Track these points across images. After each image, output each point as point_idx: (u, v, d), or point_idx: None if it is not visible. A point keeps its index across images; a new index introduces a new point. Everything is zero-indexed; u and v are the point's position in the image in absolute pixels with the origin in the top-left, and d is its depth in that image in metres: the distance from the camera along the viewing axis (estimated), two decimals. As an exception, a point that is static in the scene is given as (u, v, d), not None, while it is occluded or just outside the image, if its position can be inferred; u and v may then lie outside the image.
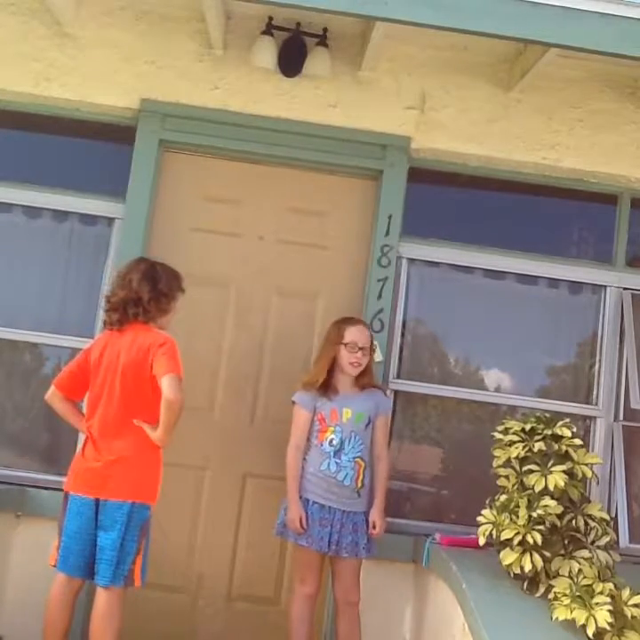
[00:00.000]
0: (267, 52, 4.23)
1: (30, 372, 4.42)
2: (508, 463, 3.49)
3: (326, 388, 3.86)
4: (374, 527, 3.80)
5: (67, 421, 3.74)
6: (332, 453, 3.79)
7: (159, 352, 3.43)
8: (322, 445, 3.81)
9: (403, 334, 4.45)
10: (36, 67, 4.29)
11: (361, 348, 3.86)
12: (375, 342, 4.24)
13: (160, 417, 3.40)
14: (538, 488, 3.33)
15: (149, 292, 3.54)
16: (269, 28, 4.23)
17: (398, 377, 4.40)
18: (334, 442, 3.79)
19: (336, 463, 3.78)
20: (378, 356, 4.26)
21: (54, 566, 3.45)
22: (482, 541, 3.38)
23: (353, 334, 3.88)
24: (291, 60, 4.28)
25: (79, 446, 3.62)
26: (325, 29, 4.26)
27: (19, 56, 4.29)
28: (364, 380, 3.91)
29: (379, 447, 3.92)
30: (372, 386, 3.94)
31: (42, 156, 4.46)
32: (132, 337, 3.51)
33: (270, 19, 4.22)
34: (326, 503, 3.75)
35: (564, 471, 3.35)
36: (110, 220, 4.38)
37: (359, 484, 3.80)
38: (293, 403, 3.89)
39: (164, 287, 3.59)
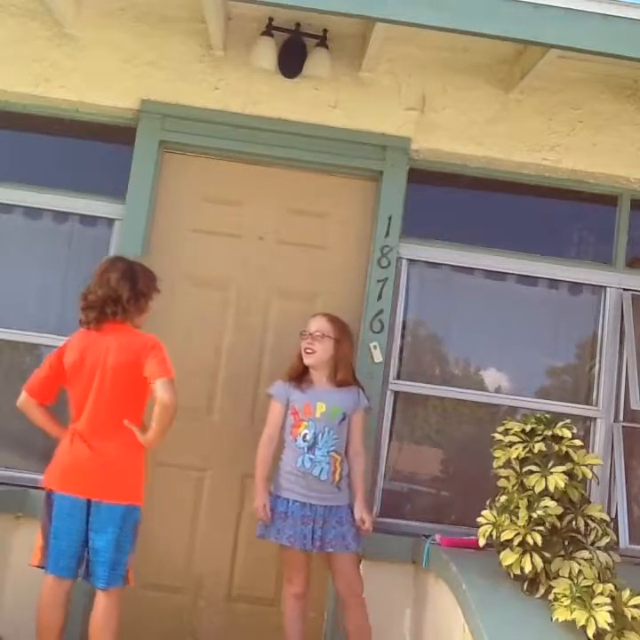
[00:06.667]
0: (267, 53, 4.23)
1: (30, 373, 4.40)
2: (508, 464, 3.49)
3: (301, 380, 3.89)
4: (363, 522, 3.79)
5: (41, 428, 3.64)
6: (305, 449, 3.79)
7: (151, 355, 3.43)
8: (296, 441, 3.81)
9: (403, 335, 4.45)
10: (36, 67, 4.30)
11: (311, 334, 3.88)
12: (374, 343, 4.26)
13: (154, 420, 3.39)
14: (538, 489, 3.33)
15: (129, 291, 3.53)
16: (269, 29, 4.23)
17: (398, 378, 4.40)
18: (308, 437, 3.80)
19: (310, 459, 3.78)
20: (377, 357, 4.27)
21: (38, 567, 3.42)
22: (482, 542, 3.38)
23: (307, 324, 3.93)
24: (291, 61, 4.28)
25: (63, 445, 3.51)
26: (325, 30, 4.26)
27: (19, 57, 4.29)
28: (339, 375, 3.89)
29: (355, 443, 3.91)
30: (349, 383, 3.92)
31: (42, 157, 4.46)
32: (117, 338, 3.49)
33: (270, 20, 4.23)
34: (307, 501, 3.75)
35: (564, 472, 3.35)
36: (110, 221, 4.38)
37: (336, 478, 3.80)
38: (269, 396, 3.94)
39: (143, 287, 3.58)
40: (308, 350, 3.88)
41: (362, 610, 3.81)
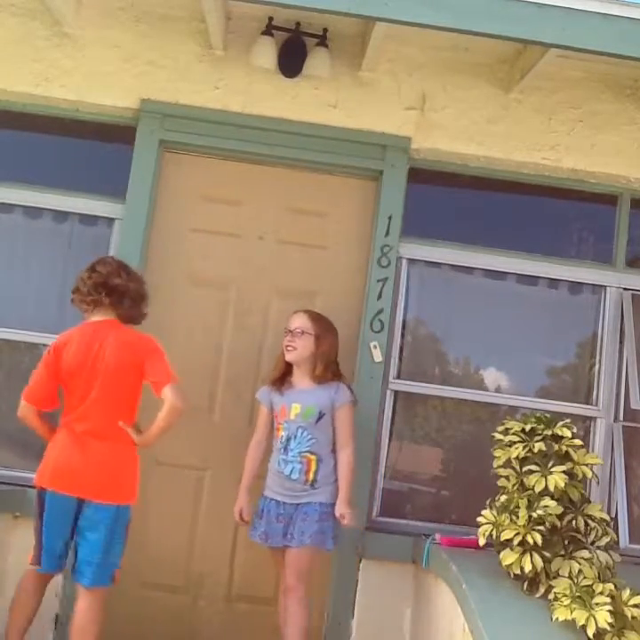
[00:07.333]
0: (267, 53, 4.23)
1: (30, 373, 4.40)
2: (508, 463, 3.49)
3: (281, 382, 3.91)
4: (343, 517, 3.72)
5: (42, 437, 3.58)
6: (282, 450, 3.82)
7: (153, 358, 3.46)
8: (277, 444, 3.87)
9: (403, 334, 4.45)
10: (36, 67, 4.29)
11: (291, 331, 3.88)
12: (374, 342, 4.26)
13: (160, 420, 3.40)
14: (538, 488, 3.33)
15: (126, 280, 3.58)
16: (269, 29, 4.23)
17: (398, 377, 4.40)
18: (283, 439, 3.83)
19: (283, 459, 3.80)
20: (377, 357, 4.27)
21: (35, 565, 3.43)
22: (482, 542, 3.38)
23: (288, 321, 3.94)
24: (291, 61, 4.28)
25: (56, 443, 3.48)
26: (325, 30, 4.27)
27: (19, 56, 4.29)
28: (316, 371, 3.85)
29: (341, 438, 3.84)
30: (327, 379, 3.86)
31: (42, 157, 4.46)
32: (116, 336, 3.49)
33: (270, 19, 4.23)
34: (282, 499, 3.78)
35: (564, 471, 3.35)
36: (110, 221, 4.38)
37: (310, 477, 3.76)
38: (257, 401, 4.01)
39: (138, 285, 3.65)
40: (289, 347, 3.88)
41: (294, 607, 3.69)
